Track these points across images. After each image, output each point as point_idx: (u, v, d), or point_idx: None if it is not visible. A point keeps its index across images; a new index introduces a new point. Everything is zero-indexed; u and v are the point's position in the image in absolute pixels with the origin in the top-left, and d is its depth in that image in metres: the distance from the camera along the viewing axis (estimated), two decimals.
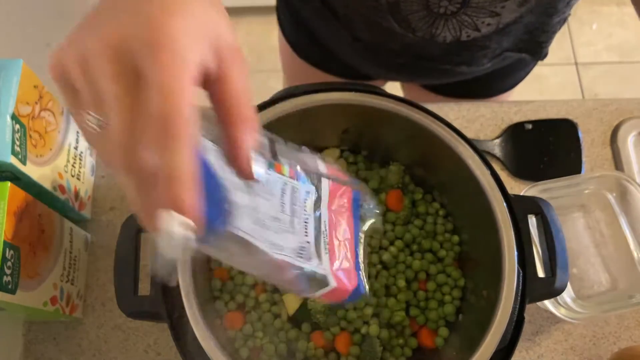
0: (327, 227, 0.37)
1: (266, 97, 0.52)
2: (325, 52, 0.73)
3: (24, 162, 0.48)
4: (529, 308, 0.62)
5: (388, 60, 0.65)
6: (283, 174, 0.35)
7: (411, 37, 0.58)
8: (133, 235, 0.47)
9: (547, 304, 0.59)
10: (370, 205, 0.41)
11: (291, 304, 0.53)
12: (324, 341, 0.52)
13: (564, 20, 0.65)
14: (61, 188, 0.55)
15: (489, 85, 0.78)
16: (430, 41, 0.58)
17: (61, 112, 0.55)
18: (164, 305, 0.45)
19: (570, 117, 0.70)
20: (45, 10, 0.78)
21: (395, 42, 0.60)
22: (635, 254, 0.59)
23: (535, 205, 0.49)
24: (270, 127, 0.50)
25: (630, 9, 0.57)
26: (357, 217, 0.40)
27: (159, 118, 0.25)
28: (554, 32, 0.65)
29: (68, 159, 0.57)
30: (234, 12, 1.84)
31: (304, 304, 0.53)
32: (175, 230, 0.24)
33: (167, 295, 0.46)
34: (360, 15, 0.59)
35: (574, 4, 0.60)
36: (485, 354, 0.44)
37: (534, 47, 0.63)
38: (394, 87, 0.92)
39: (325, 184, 0.38)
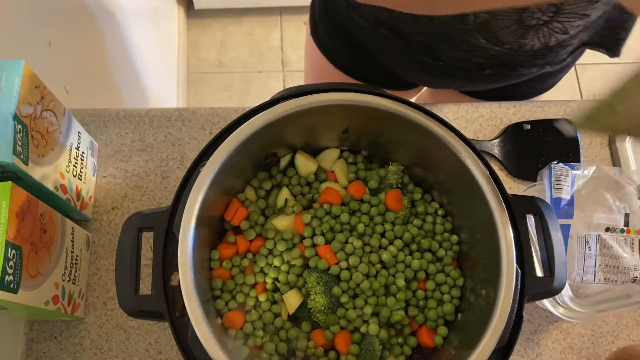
0: None
1: (266, 97, 0.52)
2: (372, 65, 0.72)
3: (25, 162, 0.48)
4: (528, 307, 0.62)
5: (469, 74, 0.64)
6: None
7: (498, 50, 0.58)
8: (134, 234, 0.47)
9: (546, 303, 0.59)
10: None
11: (291, 303, 0.53)
12: (323, 340, 0.53)
13: None
14: (63, 188, 0.55)
15: (538, 84, 0.78)
16: (518, 51, 0.58)
17: (62, 112, 0.56)
18: (165, 304, 0.46)
19: (568, 117, 0.71)
20: (47, 10, 0.78)
21: (480, 56, 0.60)
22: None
23: (533, 205, 0.50)
24: (270, 127, 0.50)
25: None
26: None
27: None
28: (632, 28, 0.66)
29: (70, 159, 0.57)
30: (235, 12, 1.84)
31: (304, 303, 0.53)
32: None
33: (168, 294, 0.46)
34: (444, 38, 0.58)
35: None
36: (484, 353, 0.44)
37: (614, 44, 0.63)
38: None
39: None
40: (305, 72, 0.89)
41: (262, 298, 0.53)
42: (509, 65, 0.62)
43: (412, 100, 0.90)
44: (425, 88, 0.90)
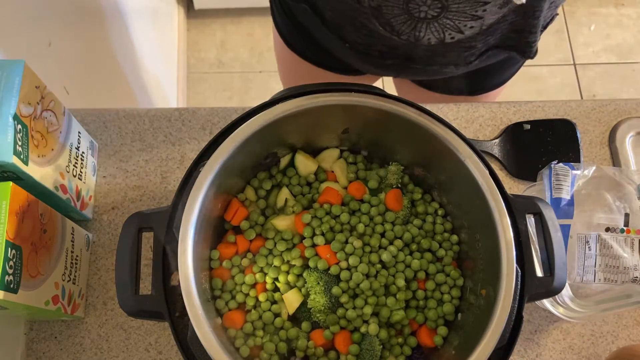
0: None
1: (266, 97, 0.52)
2: (317, 47, 0.73)
3: (25, 162, 0.48)
4: (528, 307, 0.62)
5: (377, 60, 0.66)
6: None
7: (397, 40, 0.59)
8: (134, 234, 0.47)
9: (546, 303, 0.59)
10: None
11: (291, 303, 0.53)
12: (323, 340, 0.53)
13: (552, 18, 0.65)
14: (63, 188, 0.55)
15: (480, 81, 0.78)
16: (416, 44, 0.59)
17: (62, 112, 0.56)
18: (165, 304, 0.46)
19: (568, 117, 0.71)
20: (47, 10, 0.78)
21: (382, 44, 0.61)
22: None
23: (533, 205, 0.50)
24: (270, 127, 0.50)
25: (628, 10, 0.57)
26: None
27: None
28: (542, 31, 0.65)
29: (70, 159, 0.57)
30: (235, 12, 1.84)
31: (304, 303, 0.53)
32: None
33: (168, 294, 0.46)
34: (347, 18, 0.59)
35: (560, 3, 0.60)
36: (484, 353, 0.44)
37: (523, 46, 0.63)
38: (387, 81, 0.92)
39: None
40: (277, 65, 0.92)
41: (262, 298, 0.53)
42: (411, 58, 0.63)
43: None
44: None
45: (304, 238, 0.55)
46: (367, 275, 0.53)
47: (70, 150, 0.57)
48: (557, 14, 0.65)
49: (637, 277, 0.57)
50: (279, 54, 0.86)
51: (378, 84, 0.96)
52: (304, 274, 0.53)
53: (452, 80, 0.72)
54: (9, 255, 0.44)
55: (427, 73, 0.66)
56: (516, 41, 0.62)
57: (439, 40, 0.58)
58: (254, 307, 0.54)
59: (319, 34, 0.69)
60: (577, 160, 0.68)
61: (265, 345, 0.52)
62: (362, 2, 0.54)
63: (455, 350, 0.50)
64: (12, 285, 0.44)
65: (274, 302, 0.54)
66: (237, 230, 0.56)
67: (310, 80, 0.67)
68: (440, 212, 0.57)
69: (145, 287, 0.59)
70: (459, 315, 0.53)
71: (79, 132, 0.60)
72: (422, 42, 0.58)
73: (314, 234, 0.55)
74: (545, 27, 0.65)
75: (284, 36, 0.78)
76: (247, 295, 0.54)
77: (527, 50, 0.63)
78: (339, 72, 0.79)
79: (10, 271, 0.44)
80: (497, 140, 0.69)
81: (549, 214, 0.50)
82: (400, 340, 0.54)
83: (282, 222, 0.56)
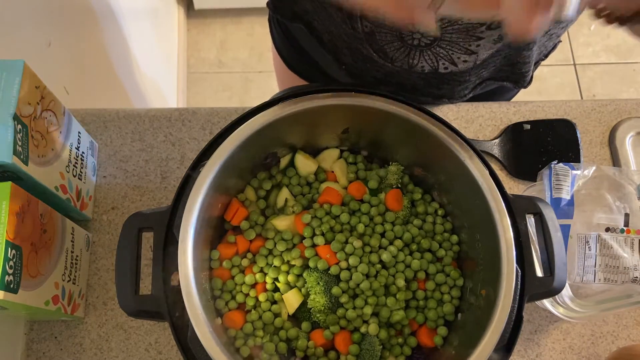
0: None
1: (266, 97, 0.52)
2: (314, 68, 0.73)
3: (25, 163, 0.48)
4: (528, 307, 0.62)
5: (372, 86, 0.65)
6: None
7: (390, 67, 0.59)
8: (134, 234, 0.47)
9: (546, 303, 0.59)
10: None
11: (291, 303, 0.53)
12: (323, 340, 0.53)
13: (554, 47, 0.65)
14: (63, 188, 0.55)
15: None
16: (410, 71, 0.59)
17: (62, 112, 0.56)
18: (165, 304, 0.46)
19: (568, 117, 0.71)
20: (47, 10, 0.78)
21: (376, 70, 0.61)
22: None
23: (533, 205, 0.50)
24: (270, 127, 0.50)
25: None
26: None
27: None
28: (540, 61, 0.65)
29: (70, 159, 0.57)
30: (235, 12, 1.84)
31: (304, 303, 0.53)
32: None
33: (168, 294, 0.46)
34: (343, 42, 0.59)
35: (561, 34, 0.60)
36: (484, 353, 0.44)
37: (517, 77, 0.63)
38: None
39: None
40: (276, 78, 0.92)
41: (262, 298, 0.53)
42: (405, 87, 0.63)
43: None
44: None
45: (304, 238, 0.55)
46: (367, 275, 0.53)
47: (70, 150, 0.57)
48: (560, 41, 0.64)
49: (637, 277, 0.57)
50: (277, 71, 0.86)
51: None
52: (304, 274, 0.53)
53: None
54: (9, 255, 0.44)
55: (420, 103, 0.66)
56: (509, 72, 0.62)
57: (433, 69, 0.58)
58: (254, 307, 0.54)
59: (317, 55, 0.69)
60: (577, 160, 0.68)
61: (265, 345, 0.52)
62: (356, 28, 0.54)
63: (455, 350, 0.50)
64: (12, 285, 0.44)
65: (274, 302, 0.54)
66: (237, 231, 0.56)
67: None
68: (440, 212, 0.57)
69: (145, 287, 0.59)
70: (459, 315, 0.53)
71: (79, 132, 0.60)
72: (415, 69, 0.58)
73: (314, 234, 0.55)
74: (546, 56, 0.65)
75: (283, 56, 0.78)
76: (247, 295, 0.54)
77: (520, 81, 0.63)
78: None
79: (10, 271, 0.44)
80: (497, 140, 0.69)
81: (549, 214, 0.50)
82: (400, 340, 0.54)
83: (282, 222, 0.56)
